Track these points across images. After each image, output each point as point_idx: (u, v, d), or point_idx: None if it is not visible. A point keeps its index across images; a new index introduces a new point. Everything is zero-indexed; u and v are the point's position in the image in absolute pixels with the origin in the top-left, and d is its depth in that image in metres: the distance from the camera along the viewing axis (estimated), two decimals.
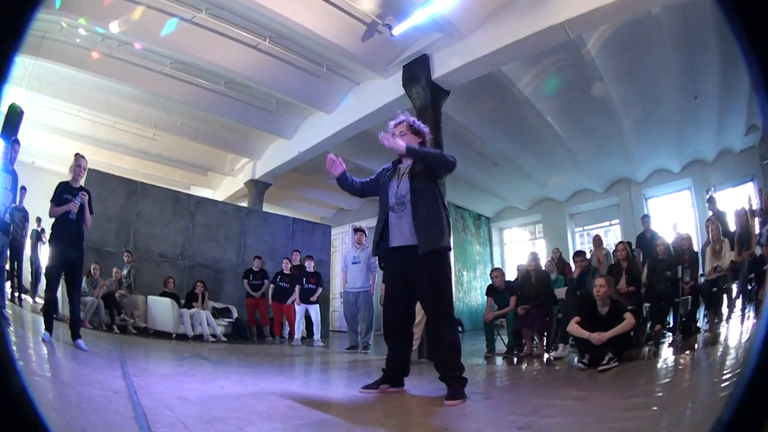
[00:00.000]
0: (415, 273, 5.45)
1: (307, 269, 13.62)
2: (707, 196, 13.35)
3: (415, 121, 5.90)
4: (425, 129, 5.94)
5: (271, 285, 14.12)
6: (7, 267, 10.45)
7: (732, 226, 10.66)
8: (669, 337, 9.73)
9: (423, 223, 5.40)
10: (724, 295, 9.80)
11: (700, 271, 10.35)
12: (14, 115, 10.19)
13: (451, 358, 5.38)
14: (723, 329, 9.31)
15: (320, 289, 13.57)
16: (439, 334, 5.50)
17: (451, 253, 10.44)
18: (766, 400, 1.23)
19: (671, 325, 9.98)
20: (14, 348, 5.71)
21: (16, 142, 8.42)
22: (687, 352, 8.41)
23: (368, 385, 5.53)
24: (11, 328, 7.41)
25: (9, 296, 11.09)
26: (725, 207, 11.80)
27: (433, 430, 3.90)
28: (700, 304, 9.85)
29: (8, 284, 10.96)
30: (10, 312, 9.08)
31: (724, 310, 9.81)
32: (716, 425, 1.28)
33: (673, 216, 15.54)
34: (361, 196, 6.17)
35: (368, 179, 6.04)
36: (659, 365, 7.59)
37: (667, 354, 8.60)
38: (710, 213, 12.00)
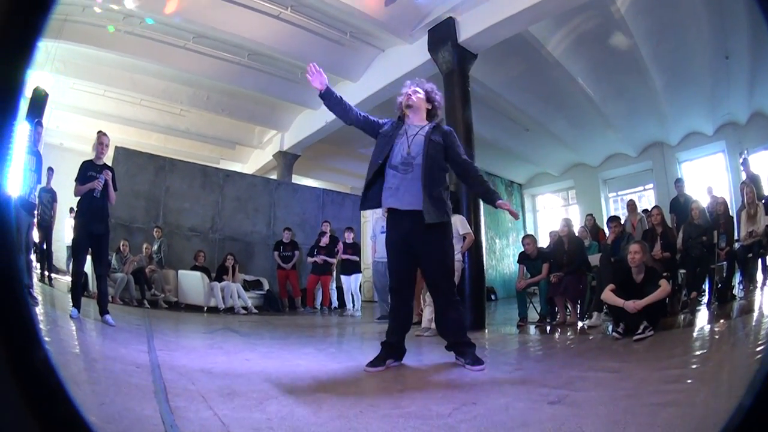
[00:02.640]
0: (420, 242, 5.33)
1: (346, 240, 13.64)
2: (741, 159, 13.10)
3: (432, 89, 5.78)
4: (438, 97, 5.82)
5: (310, 259, 14.12)
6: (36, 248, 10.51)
7: (766, 190, 10.43)
8: (704, 305, 9.57)
9: (433, 191, 5.25)
10: (759, 261, 9.50)
11: (736, 236, 10.07)
12: (39, 99, 10.29)
13: (460, 326, 5.52)
14: (758, 296, 9.11)
15: (356, 259, 13.70)
16: (448, 304, 5.50)
17: (482, 220, 10.41)
18: None
19: (707, 292, 9.83)
20: (41, 326, 5.72)
21: (39, 124, 8.54)
22: (722, 320, 8.30)
23: (373, 362, 5.18)
24: (39, 308, 7.45)
25: (39, 276, 11.27)
26: (759, 170, 11.52)
27: (460, 403, 3.70)
28: (736, 270, 9.68)
29: (37, 265, 11.07)
30: (39, 291, 9.12)
31: (759, 276, 9.53)
32: (737, 411, 1.27)
33: (708, 180, 15.19)
34: (348, 122, 5.89)
35: (371, 117, 5.84)
36: (695, 334, 7.49)
37: (702, 322, 8.46)
38: (744, 176, 11.76)
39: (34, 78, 12.09)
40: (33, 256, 10.24)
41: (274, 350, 6.25)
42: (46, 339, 5.21)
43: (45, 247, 11.56)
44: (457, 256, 8.70)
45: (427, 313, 8.76)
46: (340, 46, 12.99)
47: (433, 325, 8.32)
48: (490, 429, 3.10)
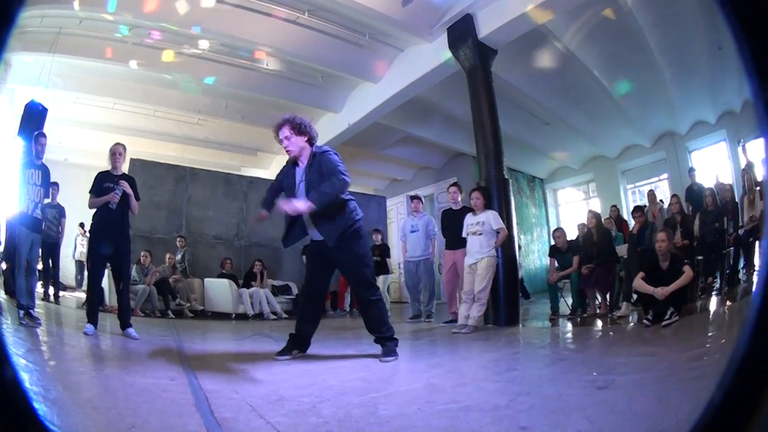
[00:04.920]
0: (333, 254, 5.98)
1: (375, 242, 13.54)
2: (740, 147, 13.24)
3: (297, 118, 6.15)
4: (306, 123, 6.20)
5: None
6: (41, 266, 10.34)
7: (759, 177, 10.57)
8: (717, 289, 9.98)
9: (320, 220, 5.89)
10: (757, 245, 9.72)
11: (741, 222, 10.29)
12: (33, 113, 10.17)
13: (379, 320, 6.03)
14: (755, 279, 9.32)
15: (388, 260, 13.55)
16: (365, 300, 6.15)
17: (514, 215, 10.38)
18: (757, 382, 1.29)
19: (719, 276, 10.14)
20: (6, 338, 5.66)
21: (41, 135, 8.13)
22: (729, 303, 8.94)
23: (281, 351, 5.89)
24: (42, 328, 7.25)
25: (42, 295, 11.11)
26: (753, 158, 11.66)
27: (514, 394, 3.80)
28: (740, 254, 9.98)
29: (40, 283, 10.85)
30: (43, 312, 8.97)
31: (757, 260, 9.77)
32: (708, 408, 1.35)
33: (716, 167, 15.28)
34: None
35: (273, 187, 6.45)
36: (710, 317, 8.24)
37: (716, 306, 9.13)
38: (744, 163, 11.90)
39: (26, 93, 12.07)
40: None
41: (313, 353, 6.20)
42: (51, 363, 5.17)
43: (51, 264, 11.36)
44: (491, 252, 8.82)
45: (463, 310, 8.80)
46: (359, 48, 12.87)
47: (470, 322, 8.41)
48: (549, 416, 3.21)
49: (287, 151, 6.00)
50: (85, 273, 13.43)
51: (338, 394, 3.91)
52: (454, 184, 10.74)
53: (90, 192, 7.58)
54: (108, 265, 7.98)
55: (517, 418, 3.14)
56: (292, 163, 6.14)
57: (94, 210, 7.63)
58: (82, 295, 12.79)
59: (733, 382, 1.29)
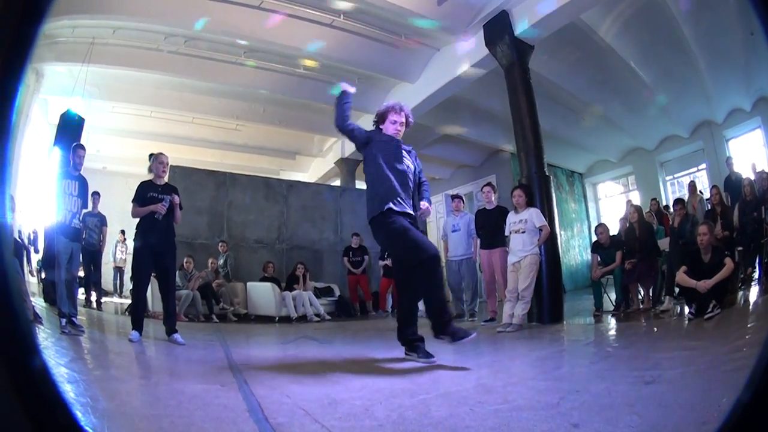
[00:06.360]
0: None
1: None
2: None
3: (410, 114, 6.33)
4: (413, 120, 6.35)
5: (381, 263, 14.16)
6: (82, 273, 10.52)
7: None
8: (756, 280, 9.87)
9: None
10: None
11: None
12: (70, 123, 10.25)
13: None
14: None
15: None
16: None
17: (555, 212, 10.43)
18: None
19: (757, 267, 10.02)
20: (38, 335, 5.82)
21: (80, 147, 8.12)
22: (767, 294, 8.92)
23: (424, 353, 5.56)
24: (85, 336, 7.26)
25: (84, 302, 11.30)
26: None
27: (565, 392, 3.81)
28: None
29: (82, 290, 11.00)
30: (85, 319, 8.99)
31: None
32: (736, 408, 1.33)
33: (754, 156, 15.08)
34: (344, 132, 6.19)
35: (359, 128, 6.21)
36: (750, 309, 8.35)
37: (755, 298, 9.06)
38: None
39: (60, 103, 12.22)
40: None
41: (360, 355, 6.23)
42: (97, 372, 5.11)
43: (93, 271, 11.57)
44: (534, 250, 8.83)
45: (507, 308, 8.84)
46: (395, 49, 12.95)
47: (515, 320, 8.44)
48: (600, 412, 3.20)
49: (397, 132, 6.12)
50: (126, 279, 13.69)
51: (389, 396, 3.89)
52: (488, 184, 10.84)
53: (133, 201, 7.52)
54: (153, 272, 7.90)
55: (568, 415, 3.16)
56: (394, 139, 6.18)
57: (136, 219, 7.58)
58: (122, 301, 12.95)
59: (762, 381, 1.30)
